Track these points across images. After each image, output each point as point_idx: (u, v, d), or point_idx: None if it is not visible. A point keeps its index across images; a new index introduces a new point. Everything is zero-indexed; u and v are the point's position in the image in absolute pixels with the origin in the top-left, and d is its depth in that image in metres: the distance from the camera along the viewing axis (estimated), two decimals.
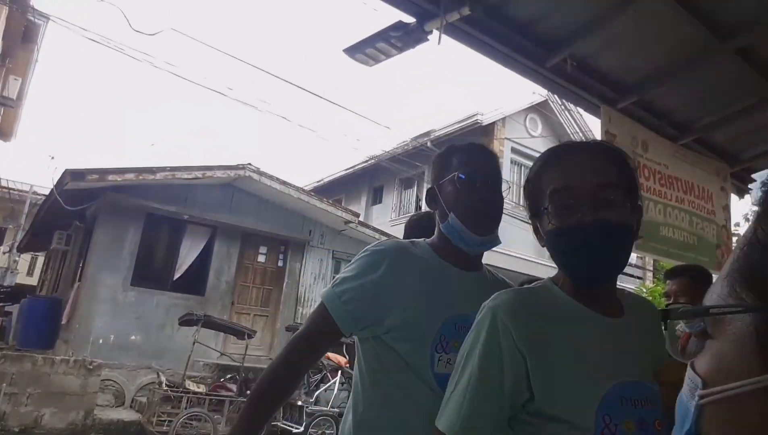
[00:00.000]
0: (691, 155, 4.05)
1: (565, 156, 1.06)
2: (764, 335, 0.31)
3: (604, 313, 1.03)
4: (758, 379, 0.30)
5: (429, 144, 13.99)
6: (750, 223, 0.37)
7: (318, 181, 18.23)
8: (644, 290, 13.75)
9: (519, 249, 13.64)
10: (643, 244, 3.73)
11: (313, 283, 12.05)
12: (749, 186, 4.51)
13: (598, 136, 3.63)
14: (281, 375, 1.30)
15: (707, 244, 4.02)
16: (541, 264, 13.55)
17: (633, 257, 12.75)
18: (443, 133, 14.27)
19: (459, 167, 1.36)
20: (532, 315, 1.00)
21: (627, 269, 12.81)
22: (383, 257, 1.30)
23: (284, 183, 10.84)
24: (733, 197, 4.40)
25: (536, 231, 1.09)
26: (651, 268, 14.55)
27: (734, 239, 4.34)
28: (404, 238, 1.88)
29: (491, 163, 1.42)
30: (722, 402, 0.30)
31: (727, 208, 4.26)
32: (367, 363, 1.33)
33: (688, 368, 0.35)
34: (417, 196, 16.03)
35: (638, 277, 14.20)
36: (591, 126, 14.88)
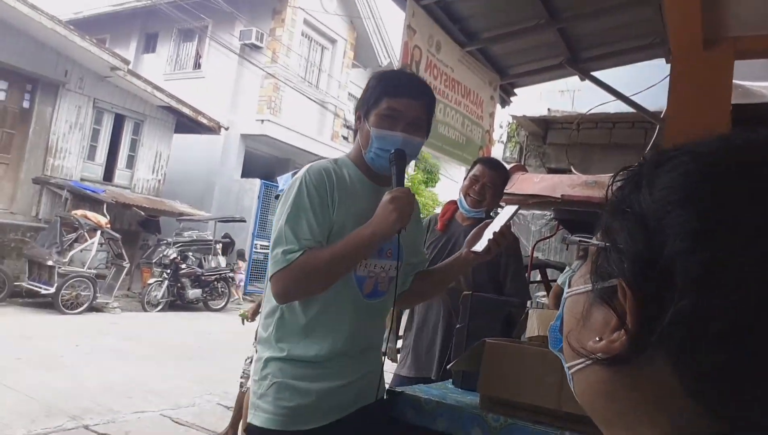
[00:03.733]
0: (473, 62, 4.48)
1: None
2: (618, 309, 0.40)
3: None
4: (601, 353, 0.40)
5: None
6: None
7: (77, 14, 15.45)
8: (407, 175, 15.20)
9: (302, 126, 13.86)
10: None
11: (69, 132, 10.63)
12: (511, 98, 5.20)
13: (398, 30, 3.77)
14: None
15: (473, 145, 4.62)
16: (319, 142, 13.95)
17: None
18: None
19: (383, 102, 1.44)
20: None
21: None
22: (311, 183, 1.43)
23: (33, 6, 8.99)
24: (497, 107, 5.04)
25: None
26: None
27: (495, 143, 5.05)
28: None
29: (418, 101, 1.47)
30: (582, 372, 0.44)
31: (492, 115, 4.89)
32: None
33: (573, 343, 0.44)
34: (197, 52, 14.73)
35: None
36: (382, 14, 15.11)
